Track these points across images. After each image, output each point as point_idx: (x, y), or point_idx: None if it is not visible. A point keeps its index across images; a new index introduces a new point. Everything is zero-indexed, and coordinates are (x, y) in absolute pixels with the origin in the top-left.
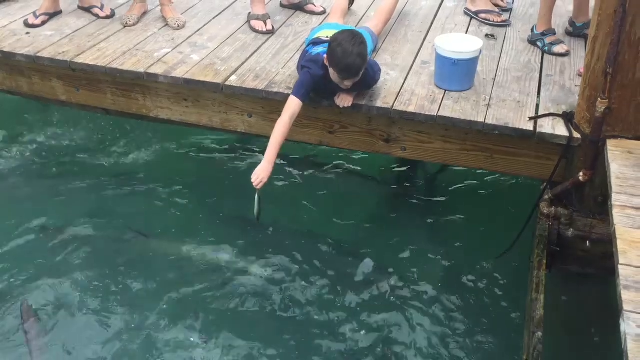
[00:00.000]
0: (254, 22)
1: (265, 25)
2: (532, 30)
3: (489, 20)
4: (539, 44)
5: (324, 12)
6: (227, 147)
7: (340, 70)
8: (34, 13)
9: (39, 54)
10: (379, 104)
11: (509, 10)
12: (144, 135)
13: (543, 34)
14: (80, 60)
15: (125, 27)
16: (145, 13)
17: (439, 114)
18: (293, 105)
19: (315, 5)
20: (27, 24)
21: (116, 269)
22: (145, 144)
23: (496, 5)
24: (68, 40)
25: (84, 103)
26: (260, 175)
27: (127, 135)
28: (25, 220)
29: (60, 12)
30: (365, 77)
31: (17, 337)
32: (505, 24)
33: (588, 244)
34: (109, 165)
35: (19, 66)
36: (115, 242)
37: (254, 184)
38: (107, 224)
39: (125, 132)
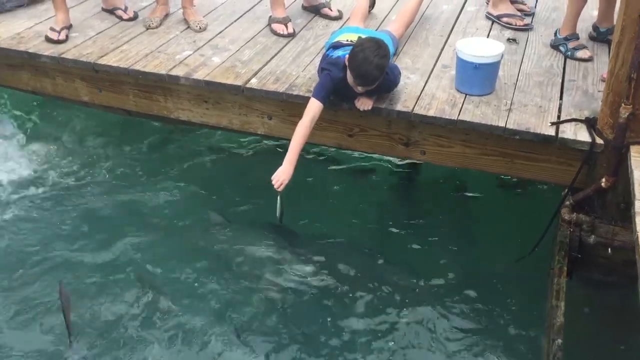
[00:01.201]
0: (275, 25)
1: (287, 29)
2: (555, 34)
3: (511, 24)
4: (561, 48)
5: (339, 17)
6: (253, 148)
7: (356, 75)
8: (53, 28)
9: (63, 55)
10: (399, 107)
11: (531, 14)
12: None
13: (566, 39)
14: (104, 61)
15: (148, 29)
16: (167, 15)
17: (460, 118)
18: (314, 107)
19: (331, 10)
20: (51, 41)
21: (151, 262)
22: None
23: (519, 10)
24: (91, 42)
25: (106, 104)
26: (280, 177)
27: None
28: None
29: (71, 25)
30: (385, 81)
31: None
32: (527, 28)
33: (610, 251)
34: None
35: (44, 67)
36: (149, 239)
37: (274, 186)
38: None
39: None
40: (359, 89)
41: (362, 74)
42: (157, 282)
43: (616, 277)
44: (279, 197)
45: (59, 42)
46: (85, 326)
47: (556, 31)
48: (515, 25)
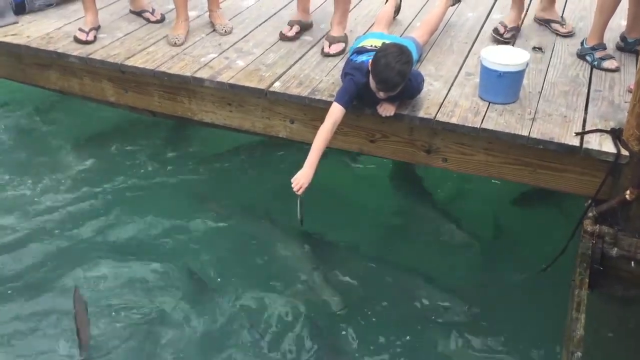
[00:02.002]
0: (284, 28)
1: (290, 30)
2: (582, 44)
3: (558, 32)
4: (588, 58)
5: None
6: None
7: (378, 80)
8: (82, 29)
9: (90, 56)
10: (422, 114)
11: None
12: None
13: (593, 48)
14: (130, 62)
15: (174, 46)
16: (189, 31)
17: (482, 126)
18: (336, 112)
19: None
20: (79, 41)
21: (168, 266)
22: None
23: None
24: (119, 43)
25: (131, 105)
26: (300, 180)
27: None
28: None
29: (99, 26)
30: (407, 87)
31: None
32: (569, 35)
33: (633, 265)
34: None
35: (72, 67)
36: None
37: (294, 189)
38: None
39: None
40: (381, 94)
41: (384, 80)
42: (176, 289)
43: (638, 291)
44: (299, 200)
45: (87, 42)
46: (103, 339)
47: (583, 41)
48: (561, 32)
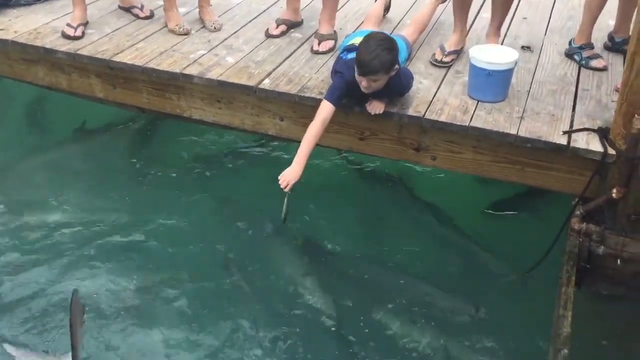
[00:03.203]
0: (271, 26)
1: (276, 28)
2: (570, 43)
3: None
4: (576, 57)
5: None
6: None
7: (358, 63)
8: (70, 24)
9: (78, 52)
10: (411, 112)
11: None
12: None
13: (581, 48)
14: (118, 58)
15: (187, 35)
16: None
17: (471, 124)
18: (325, 109)
19: None
20: (67, 37)
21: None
22: None
23: None
24: (107, 39)
25: (120, 101)
26: (287, 177)
27: None
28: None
29: (87, 22)
30: (396, 84)
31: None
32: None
33: (619, 262)
34: None
35: (59, 63)
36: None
37: (281, 186)
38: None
39: None
40: (363, 83)
41: (362, 62)
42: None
43: (625, 289)
44: (286, 198)
45: (75, 38)
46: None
47: (571, 40)
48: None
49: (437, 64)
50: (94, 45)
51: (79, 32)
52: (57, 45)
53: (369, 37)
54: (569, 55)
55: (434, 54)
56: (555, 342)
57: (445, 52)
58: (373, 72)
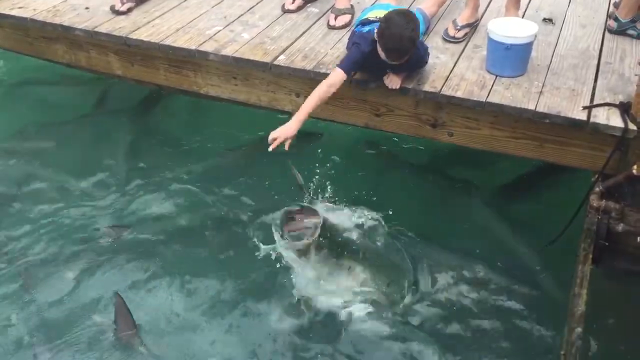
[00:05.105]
0: (287, 1)
1: (292, 3)
2: (616, 19)
3: None
4: (631, 32)
5: None
6: None
7: (387, 50)
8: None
9: (96, 29)
10: (427, 87)
11: None
12: None
13: (633, 21)
14: (135, 36)
15: None
16: None
17: (488, 100)
18: (335, 74)
19: None
20: (113, 10)
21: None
22: None
23: None
24: (124, 16)
25: (138, 78)
26: (281, 133)
27: None
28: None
29: None
30: (413, 58)
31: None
32: None
33: (639, 240)
34: None
35: (78, 40)
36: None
37: (269, 144)
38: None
39: None
40: (390, 62)
41: (393, 49)
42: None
43: None
44: (294, 169)
45: (120, 13)
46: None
47: (615, 16)
48: None
49: (451, 40)
50: (111, 23)
51: (124, 8)
52: (76, 23)
53: (394, 21)
54: (619, 31)
55: (446, 30)
56: (570, 320)
57: (458, 27)
58: (405, 55)
